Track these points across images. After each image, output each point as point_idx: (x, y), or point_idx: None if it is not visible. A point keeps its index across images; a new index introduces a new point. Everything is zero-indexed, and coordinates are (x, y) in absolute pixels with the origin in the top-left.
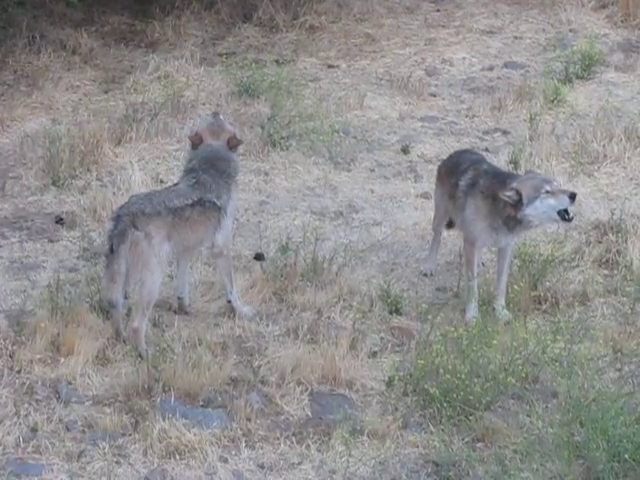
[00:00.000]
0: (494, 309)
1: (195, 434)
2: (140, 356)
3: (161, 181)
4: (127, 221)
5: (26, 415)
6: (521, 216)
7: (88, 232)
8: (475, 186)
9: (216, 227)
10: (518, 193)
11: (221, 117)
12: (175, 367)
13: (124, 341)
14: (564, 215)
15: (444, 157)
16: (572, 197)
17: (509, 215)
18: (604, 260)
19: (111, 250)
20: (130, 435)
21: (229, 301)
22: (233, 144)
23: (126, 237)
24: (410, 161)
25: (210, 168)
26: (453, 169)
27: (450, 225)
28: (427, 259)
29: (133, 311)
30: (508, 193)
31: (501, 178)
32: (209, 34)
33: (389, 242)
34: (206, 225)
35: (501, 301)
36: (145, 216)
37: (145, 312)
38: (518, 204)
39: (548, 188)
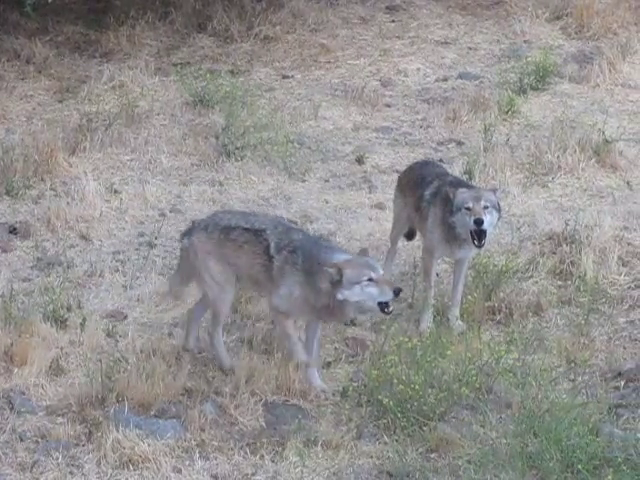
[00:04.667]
0: (448, 320)
1: (149, 444)
2: (222, 369)
3: (115, 191)
4: (187, 228)
5: None
6: (451, 219)
7: (42, 242)
8: (437, 196)
9: (271, 279)
10: (454, 196)
11: None
12: (129, 377)
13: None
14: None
15: (399, 168)
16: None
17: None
18: (558, 271)
19: None
20: (84, 445)
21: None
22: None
23: (181, 242)
24: (365, 172)
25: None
26: (418, 180)
27: (410, 236)
28: (383, 269)
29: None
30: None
31: (458, 185)
32: (164, 44)
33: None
34: (254, 262)
35: (455, 312)
36: (195, 227)
37: (214, 324)
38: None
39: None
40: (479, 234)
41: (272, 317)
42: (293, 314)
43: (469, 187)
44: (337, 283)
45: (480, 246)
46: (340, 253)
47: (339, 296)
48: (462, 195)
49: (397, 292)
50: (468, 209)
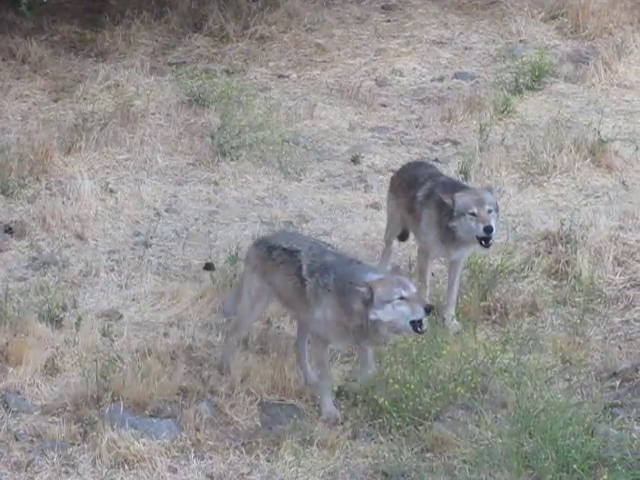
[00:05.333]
0: (444, 319)
1: (144, 444)
2: (219, 368)
3: (111, 190)
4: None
5: None
6: (452, 224)
7: (37, 241)
8: (430, 197)
9: (304, 302)
10: (453, 201)
11: None
12: (124, 377)
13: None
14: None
15: (394, 167)
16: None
17: (449, 222)
18: (553, 271)
19: None
20: (79, 445)
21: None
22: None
23: None
24: (360, 171)
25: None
26: (410, 181)
27: (403, 237)
28: (378, 269)
29: None
30: (446, 197)
31: (455, 188)
32: (159, 43)
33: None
34: (288, 283)
35: (451, 311)
36: (254, 242)
37: (233, 330)
38: (450, 214)
39: (476, 210)
40: (487, 238)
41: (311, 343)
42: (330, 339)
43: (463, 188)
44: (369, 302)
45: (488, 246)
46: (373, 273)
47: (372, 316)
48: (463, 199)
49: (428, 309)
50: (473, 214)
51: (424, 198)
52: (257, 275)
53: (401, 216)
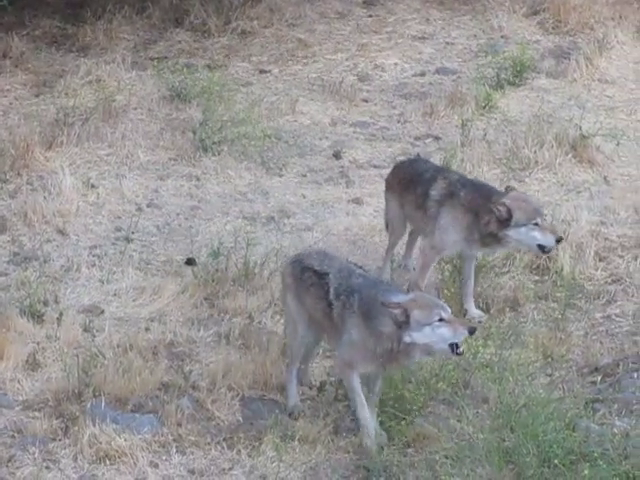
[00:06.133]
0: (467, 311)
1: (125, 439)
2: (287, 408)
3: (92, 185)
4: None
5: None
6: (502, 235)
7: (18, 236)
8: (453, 197)
9: (333, 326)
10: (509, 212)
11: None
12: (106, 372)
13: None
14: (543, 249)
15: (377, 163)
16: (558, 240)
17: (491, 231)
18: (535, 266)
19: None
20: (60, 440)
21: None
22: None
23: None
24: (342, 166)
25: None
26: (414, 178)
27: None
28: (383, 274)
29: None
30: (500, 208)
31: (485, 192)
32: (141, 38)
33: (320, 247)
34: (317, 306)
35: (471, 301)
36: (291, 258)
37: (289, 360)
38: (504, 222)
39: (538, 220)
40: (551, 248)
41: (338, 370)
42: (357, 364)
43: (490, 190)
44: (403, 325)
45: (547, 254)
46: (400, 294)
47: (407, 339)
48: (523, 210)
49: (472, 331)
50: (536, 225)
51: (442, 197)
52: (292, 295)
53: (406, 214)
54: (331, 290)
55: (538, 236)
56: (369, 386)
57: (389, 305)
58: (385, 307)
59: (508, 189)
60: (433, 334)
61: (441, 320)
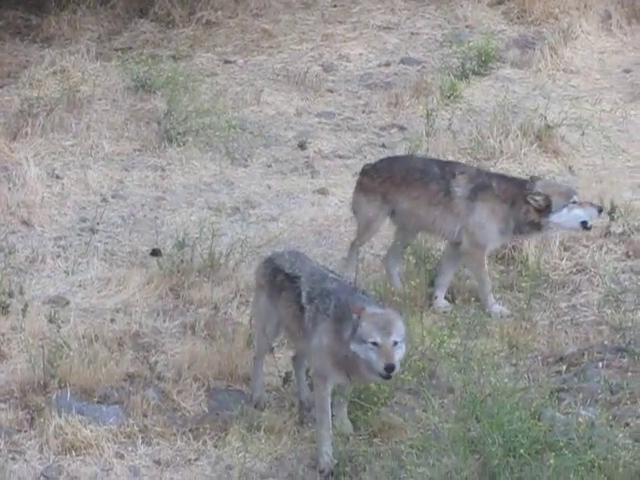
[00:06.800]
0: (436, 298)
1: (91, 430)
2: (252, 398)
3: (57, 176)
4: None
5: None
6: (544, 222)
7: None
8: (485, 190)
9: (303, 331)
10: (548, 199)
11: None
12: (71, 363)
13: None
14: (585, 225)
15: (342, 153)
16: (600, 211)
17: (531, 220)
18: (500, 256)
19: None
20: (26, 431)
21: None
22: None
23: None
24: (307, 157)
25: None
26: (417, 176)
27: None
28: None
29: None
30: (537, 198)
31: (513, 181)
32: (105, 29)
33: (286, 238)
34: (288, 310)
35: (443, 293)
36: (265, 258)
37: (255, 353)
38: (545, 210)
39: (576, 198)
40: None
41: (313, 383)
42: (327, 372)
43: (513, 180)
44: (353, 333)
45: (588, 230)
46: (375, 306)
47: (351, 346)
48: (557, 192)
49: (390, 369)
50: (575, 202)
51: (471, 192)
52: (264, 295)
53: (402, 214)
54: (303, 294)
55: (580, 213)
56: (339, 389)
57: (352, 308)
58: (349, 310)
59: (533, 179)
60: (366, 353)
61: (375, 344)
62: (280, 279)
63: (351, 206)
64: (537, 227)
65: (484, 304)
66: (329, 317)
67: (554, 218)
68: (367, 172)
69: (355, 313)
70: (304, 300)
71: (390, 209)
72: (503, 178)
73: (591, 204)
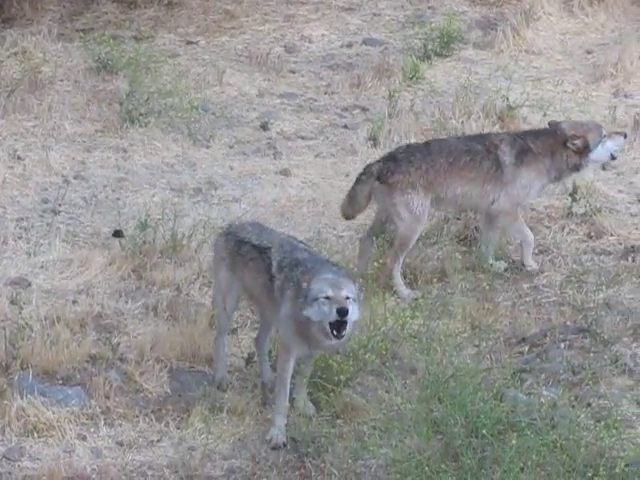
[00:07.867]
0: (491, 265)
1: (54, 412)
2: (214, 378)
3: (18, 158)
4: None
5: None
6: (586, 162)
7: None
8: (528, 153)
9: (272, 301)
10: (585, 140)
11: None
12: (33, 344)
13: None
14: (613, 155)
15: (304, 134)
16: (625, 136)
17: (575, 163)
18: (462, 237)
19: None
20: None
21: None
22: None
23: None
24: (269, 138)
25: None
26: (472, 156)
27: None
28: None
29: None
30: (576, 142)
31: (547, 133)
32: (67, 9)
33: (248, 219)
34: (257, 280)
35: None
36: (222, 231)
37: (217, 330)
38: (584, 151)
39: (604, 131)
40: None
41: (278, 353)
42: (291, 341)
43: (540, 131)
44: (304, 299)
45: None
46: (332, 272)
47: (304, 312)
48: (590, 131)
49: (625, 136)
50: (605, 136)
51: (517, 158)
52: (225, 267)
53: (442, 191)
54: (274, 264)
55: (612, 145)
56: (300, 369)
57: (302, 278)
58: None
59: (553, 123)
60: (318, 311)
61: (327, 298)
62: (246, 250)
63: (386, 215)
64: (576, 169)
65: (524, 258)
66: (293, 285)
67: (593, 156)
68: (394, 170)
69: (305, 282)
70: (274, 270)
71: (434, 199)
72: (532, 133)
73: (616, 133)
